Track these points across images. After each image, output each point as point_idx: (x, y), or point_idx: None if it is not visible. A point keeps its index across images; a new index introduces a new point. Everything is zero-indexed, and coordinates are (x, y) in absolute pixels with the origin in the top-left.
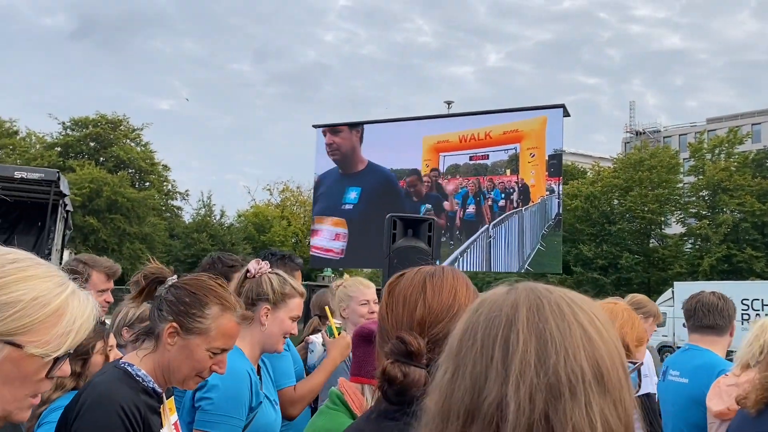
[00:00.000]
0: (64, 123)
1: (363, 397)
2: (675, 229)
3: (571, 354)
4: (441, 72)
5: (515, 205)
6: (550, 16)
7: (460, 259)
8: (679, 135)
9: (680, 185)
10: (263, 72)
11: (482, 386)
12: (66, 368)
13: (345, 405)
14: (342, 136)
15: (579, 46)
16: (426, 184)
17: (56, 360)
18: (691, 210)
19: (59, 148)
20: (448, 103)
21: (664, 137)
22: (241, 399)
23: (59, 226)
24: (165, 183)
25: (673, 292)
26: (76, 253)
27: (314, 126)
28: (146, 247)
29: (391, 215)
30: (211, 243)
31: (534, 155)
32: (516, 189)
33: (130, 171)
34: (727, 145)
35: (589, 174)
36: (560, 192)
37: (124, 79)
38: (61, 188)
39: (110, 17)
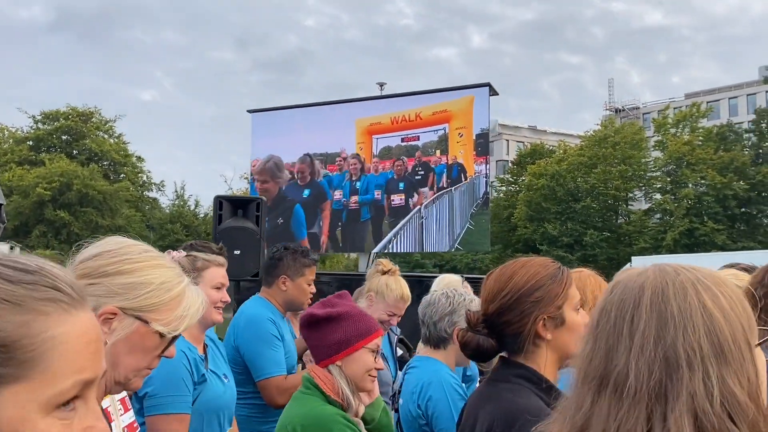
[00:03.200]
0: (34, 117)
1: (332, 377)
2: (642, 205)
3: (690, 331)
4: (425, 54)
5: (445, 185)
6: None
7: (394, 241)
8: (658, 111)
9: (644, 161)
10: (246, 59)
11: (612, 357)
12: (173, 350)
13: (317, 388)
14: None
15: (562, 24)
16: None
17: (171, 340)
18: (655, 185)
19: (31, 142)
20: (381, 84)
21: (643, 114)
22: (180, 376)
23: None
24: (140, 174)
25: (631, 266)
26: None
27: (249, 111)
28: None
29: (217, 196)
30: (186, 233)
31: (462, 135)
32: (451, 168)
33: (104, 163)
34: (690, 119)
35: (557, 153)
36: (488, 172)
37: (105, 70)
38: None
39: (88, 8)
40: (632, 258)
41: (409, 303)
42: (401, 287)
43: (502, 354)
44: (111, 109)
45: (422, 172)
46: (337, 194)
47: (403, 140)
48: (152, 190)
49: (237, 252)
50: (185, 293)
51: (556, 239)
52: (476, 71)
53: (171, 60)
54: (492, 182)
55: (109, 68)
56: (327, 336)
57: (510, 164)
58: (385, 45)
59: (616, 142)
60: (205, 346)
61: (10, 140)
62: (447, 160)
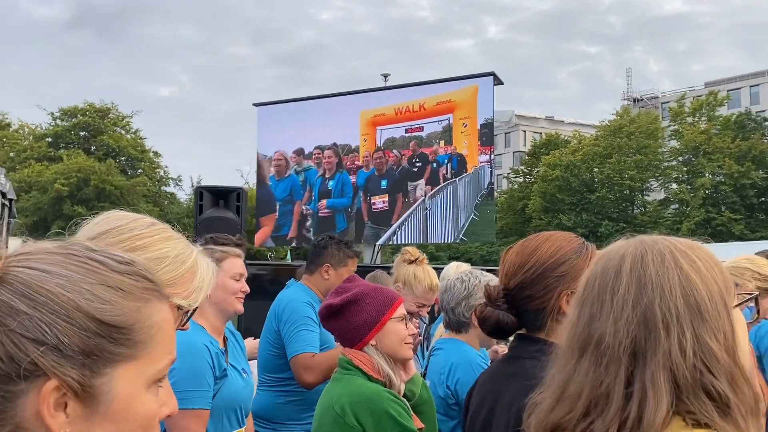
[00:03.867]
0: (52, 113)
1: (369, 356)
2: (659, 195)
3: (666, 293)
4: (440, 47)
5: (448, 176)
6: None
7: (398, 232)
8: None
9: (660, 150)
10: (262, 54)
11: (594, 322)
12: (188, 324)
13: (357, 368)
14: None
15: (579, 14)
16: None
17: (189, 313)
18: (671, 175)
19: (49, 139)
20: (385, 75)
21: (662, 103)
22: (202, 371)
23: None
24: (157, 169)
25: None
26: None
27: (254, 104)
28: None
29: (198, 186)
30: None
31: (467, 125)
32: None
33: (121, 159)
34: (707, 108)
35: (572, 143)
36: (493, 162)
37: (123, 67)
38: None
39: (106, 5)
40: None
41: (434, 295)
42: (429, 277)
43: (520, 331)
44: (130, 105)
45: (419, 164)
46: (307, 195)
47: (407, 131)
48: (170, 185)
49: None
50: (198, 264)
51: (571, 230)
52: (492, 62)
53: (188, 56)
54: (507, 174)
55: (128, 65)
56: (351, 320)
57: (525, 155)
58: (400, 38)
59: (631, 132)
60: (225, 339)
61: (30, 137)
62: (449, 150)
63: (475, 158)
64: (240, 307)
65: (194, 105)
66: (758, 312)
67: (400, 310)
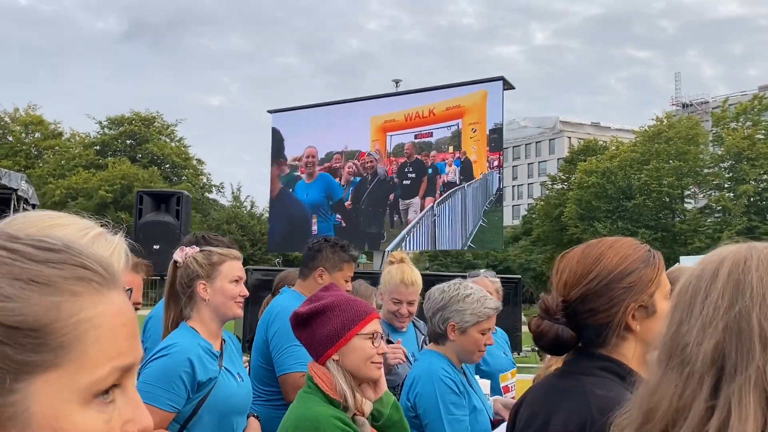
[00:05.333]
0: (100, 122)
1: (330, 373)
2: (701, 202)
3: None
4: (487, 53)
5: (458, 181)
6: None
7: (407, 239)
8: (729, 105)
9: (701, 156)
10: (309, 63)
11: (681, 329)
12: None
13: (317, 386)
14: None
15: (629, 19)
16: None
17: None
18: (712, 182)
19: (97, 147)
20: (396, 81)
21: (712, 108)
22: (177, 373)
23: None
24: (200, 176)
25: (680, 265)
26: None
27: (269, 111)
28: None
29: (139, 191)
30: (241, 234)
31: (476, 130)
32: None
33: (165, 167)
34: (752, 112)
35: (611, 149)
36: (501, 166)
37: (175, 77)
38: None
39: (159, 18)
40: (680, 258)
41: (415, 287)
42: (402, 272)
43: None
44: (181, 114)
45: (413, 175)
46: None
47: (416, 137)
48: (212, 192)
49: (156, 246)
50: (92, 246)
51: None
52: (539, 68)
53: (237, 66)
54: (545, 181)
55: (179, 75)
56: (316, 332)
57: (562, 161)
58: (446, 45)
59: (670, 137)
60: (222, 342)
61: (80, 146)
62: (457, 156)
63: (483, 164)
64: (239, 312)
65: (243, 113)
66: None
67: (371, 327)
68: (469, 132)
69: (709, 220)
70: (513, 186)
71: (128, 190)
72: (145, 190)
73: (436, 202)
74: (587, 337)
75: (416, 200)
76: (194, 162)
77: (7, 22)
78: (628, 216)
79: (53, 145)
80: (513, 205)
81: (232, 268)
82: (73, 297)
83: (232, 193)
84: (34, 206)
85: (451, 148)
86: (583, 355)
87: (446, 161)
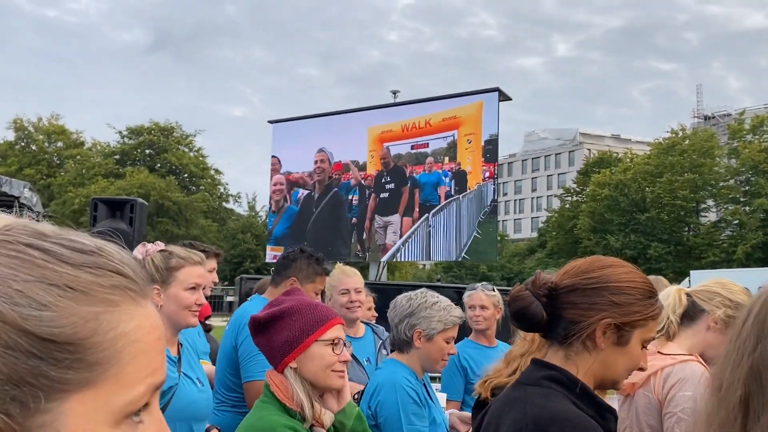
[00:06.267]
0: (121, 132)
1: (287, 381)
2: (716, 216)
3: None
4: (508, 65)
5: (453, 192)
6: (620, 2)
7: (402, 249)
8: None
9: (716, 169)
10: (330, 75)
11: (722, 364)
12: None
13: (273, 395)
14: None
15: (653, 31)
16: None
17: None
18: (727, 195)
19: (117, 156)
20: (394, 92)
21: (735, 120)
22: None
23: None
24: (218, 186)
25: (689, 281)
26: None
27: (269, 121)
28: None
29: (93, 198)
30: (256, 243)
31: (471, 141)
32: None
33: (184, 176)
34: None
35: (627, 161)
36: (495, 178)
37: (198, 88)
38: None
39: (183, 29)
40: (691, 272)
41: (357, 277)
42: (340, 269)
43: (535, 357)
44: (204, 125)
45: (392, 186)
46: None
47: (412, 147)
48: (229, 202)
49: None
50: None
51: (619, 252)
52: (561, 80)
53: (259, 77)
54: (560, 193)
55: (202, 86)
56: (274, 338)
57: (574, 173)
58: (467, 56)
59: (684, 149)
60: (179, 346)
61: (101, 155)
62: (451, 167)
63: (478, 175)
64: (193, 321)
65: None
66: None
67: (332, 333)
68: (465, 143)
69: (723, 235)
70: (532, 198)
71: (145, 199)
72: (100, 197)
73: (431, 213)
74: (555, 329)
75: (395, 218)
76: (212, 172)
77: (36, 33)
78: (641, 229)
79: (75, 154)
80: (532, 218)
81: (190, 274)
82: (111, 308)
83: (248, 202)
84: (38, 214)
85: (446, 159)
86: (537, 364)
87: (441, 171)
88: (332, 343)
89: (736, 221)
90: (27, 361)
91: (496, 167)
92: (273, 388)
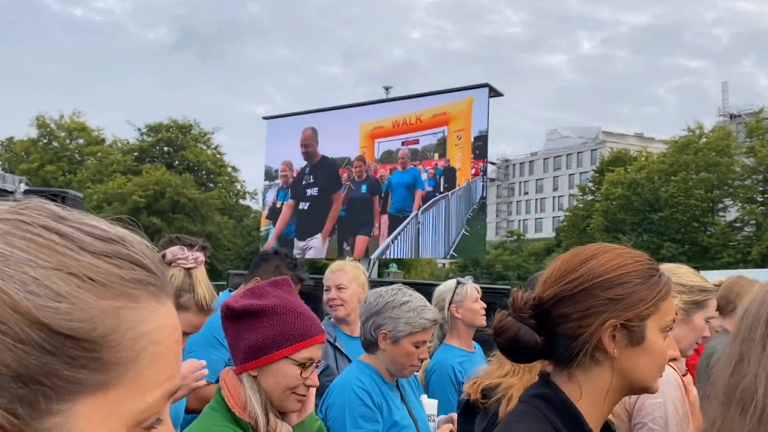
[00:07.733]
0: (139, 129)
1: (242, 388)
2: (732, 216)
3: None
4: (533, 62)
5: (442, 189)
6: None
7: (392, 246)
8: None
9: (732, 168)
10: (353, 73)
11: (741, 367)
12: None
13: (224, 402)
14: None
15: (680, 28)
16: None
17: None
18: (743, 195)
19: (135, 153)
20: (387, 88)
21: (764, 118)
22: None
23: None
24: (235, 183)
25: None
26: None
27: (264, 117)
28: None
29: (26, 188)
30: None
31: (461, 137)
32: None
33: (201, 173)
34: None
35: (642, 159)
36: (486, 174)
37: (222, 86)
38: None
39: (207, 27)
40: (701, 272)
41: (341, 273)
42: (335, 263)
43: (544, 370)
44: (227, 122)
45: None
46: None
47: (403, 143)
48: (246, 199)
49: None
50: None
51: None
52: (586, 78)
53: (283, 75)
54: (576, 192)
55: (226, 84)
56: (242, 334)
57: (592, 172)
58: (491, 54)
59: (699, 148)
60: None
61: (120, 152)
62: (440, 164)
63: (467, 171)
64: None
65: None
66: None
67: (306, 353)
68: (454, 139)
69: (739, 235)
70: (553, 197)
71: (161, 195)
72: (33, 188)
73: (420, 210)
74: (557, 349)
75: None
76: (229, 169)
77: (64, 32)
78: (654, 229)
79: (95, 151)
80: (553, 217)
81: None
82: (132, 303)
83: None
84: None
85: (436, 155)
86: (540, 379)
87: (421, 168)
88: (302, 364)
89: (753, 221)
90: (39, 357)
91: (485, 164)
92: (225, 393)
